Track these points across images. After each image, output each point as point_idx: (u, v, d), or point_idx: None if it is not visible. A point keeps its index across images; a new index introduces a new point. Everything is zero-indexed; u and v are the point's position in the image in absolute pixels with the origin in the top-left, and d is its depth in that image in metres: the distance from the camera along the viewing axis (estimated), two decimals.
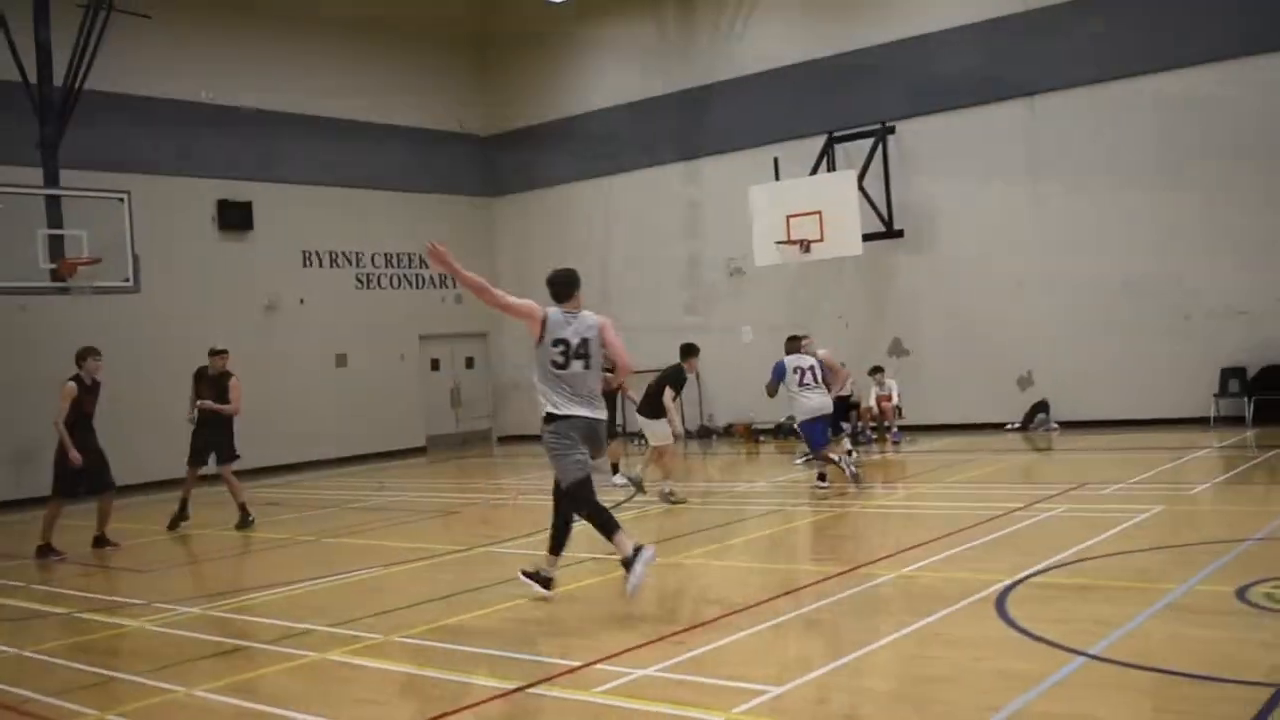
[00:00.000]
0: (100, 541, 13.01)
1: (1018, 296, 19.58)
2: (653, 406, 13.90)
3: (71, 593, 10.74)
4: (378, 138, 24.67)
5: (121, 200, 15.93)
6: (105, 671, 7.45)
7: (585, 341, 8.12)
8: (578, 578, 9.10)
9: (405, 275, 25.23)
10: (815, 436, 13.66)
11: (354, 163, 24.18)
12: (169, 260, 19.75)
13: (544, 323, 8.08)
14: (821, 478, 13.66)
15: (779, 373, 13.71)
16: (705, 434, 22.97)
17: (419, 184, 25.44)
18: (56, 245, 15.28)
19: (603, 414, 8.34)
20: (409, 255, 25.20)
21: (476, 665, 6.80)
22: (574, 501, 8.22)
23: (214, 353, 14.63)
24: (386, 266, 24.93)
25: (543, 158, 26.15)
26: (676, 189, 23.83)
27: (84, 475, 12.53)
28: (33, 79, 15.90)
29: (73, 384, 12.50)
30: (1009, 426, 19.56)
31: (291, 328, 22.68)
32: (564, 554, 8.58)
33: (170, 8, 20.37)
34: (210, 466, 14.28)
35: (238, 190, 22.32)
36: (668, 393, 13.81)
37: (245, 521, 14.11)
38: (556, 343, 8.05)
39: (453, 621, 8.02)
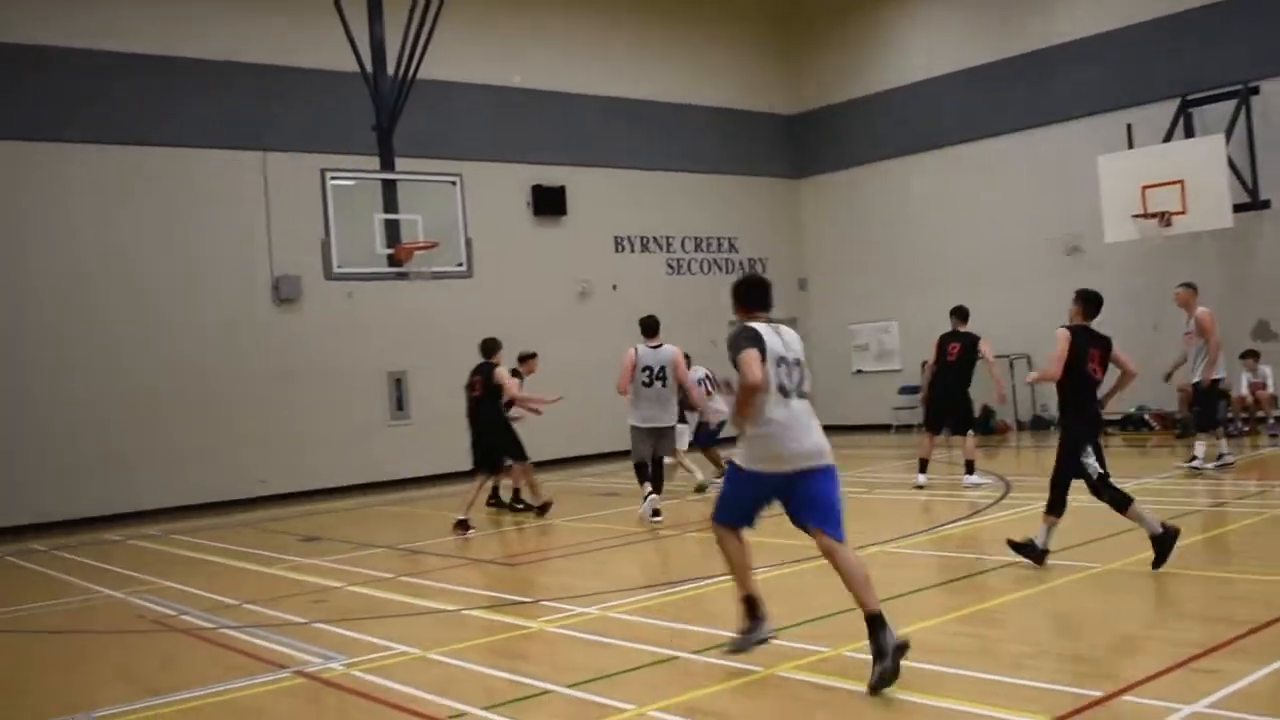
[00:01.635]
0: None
1: None
2: None
3: (456, 588, 10.31)
4: (684, 119, 24.12)
5: (454, 183, 15.82)
6: (529, 680, 6.80)
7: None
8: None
9: (715, 260, 24.59)
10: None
11: (661, 145, 23.72)
12: (488, 246, 19.71)
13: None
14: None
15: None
16: (1041, 424, 21.35)
17: (726, 166, 24.73)
18: (392, 231, 15.27)
19: None
20: (718, 239, 24.58)
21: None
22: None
23: (525, 357, 15.53)
24: (696, 251, 24.36)
25: (852, 135, 25.03)
26: (1002, 162, 22.24)
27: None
28: (369, 69, 15.98)
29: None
30: None
31: (604, 314, 22.36)
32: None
33: None
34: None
35: (551, 175, 22.18)
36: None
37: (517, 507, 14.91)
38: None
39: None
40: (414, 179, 15.69)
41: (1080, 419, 8.89)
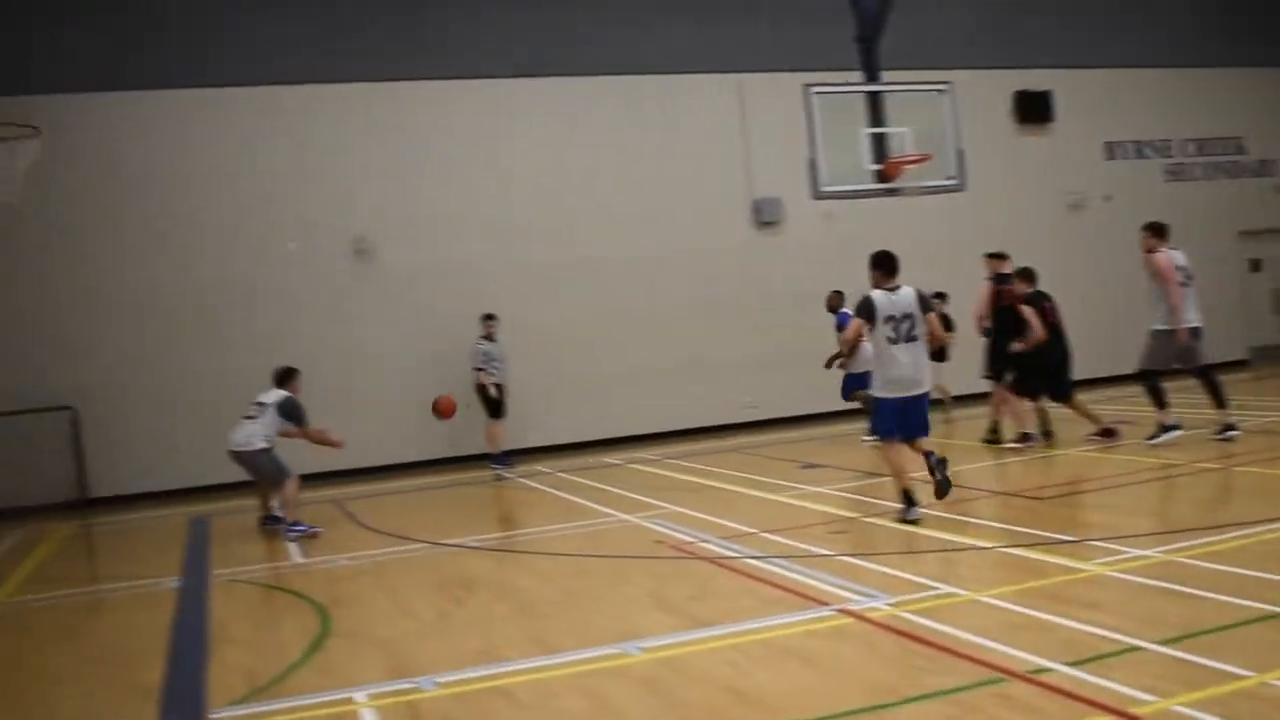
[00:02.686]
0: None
1: None
2: None
3: (984, 522, 9.69)
4: (1179, 6, 21.74)
5: (942, 92, 14.90)
6: (1109, 633, 6.01)
7: None
8: None
9: (1219, 164, 22.17)
10: None
11: (1155, 38, 21.49)
12: (972, 158, 18.63)
13: None
14: None
15: None
16: None
17: (1229, 57, 22.03)
18: (879, 146, 14.61)
19: None
20: (1222, 140, 22.13)
21: None
22: None
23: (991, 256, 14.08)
24: (1198, 155, 22.04)
25: None
26: None
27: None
28: None
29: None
30: None
31: (1098, 228, 20.67)
32: None
33: None
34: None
35: (1035, 79, 20.67)
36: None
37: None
38: None
39: None
40: (903, 89, 14.94)
41: None
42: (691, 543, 9.58)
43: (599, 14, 18.37)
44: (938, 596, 7.12)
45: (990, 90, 19.99)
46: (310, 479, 13.39)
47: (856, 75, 15.92)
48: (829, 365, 15.32)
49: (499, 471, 15.70)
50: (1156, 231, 12.62)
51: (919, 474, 9.82)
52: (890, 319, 9.58)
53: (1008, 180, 19.92)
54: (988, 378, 13.86)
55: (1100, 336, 17.41)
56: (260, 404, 12.27)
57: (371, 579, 9.42)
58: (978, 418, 15.22)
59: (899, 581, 7.56)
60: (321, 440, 12.37)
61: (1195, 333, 12.30)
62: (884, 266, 9.83)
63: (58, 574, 11.32)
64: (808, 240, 18.90)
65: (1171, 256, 12.38)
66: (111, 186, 16.43)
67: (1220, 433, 12.21)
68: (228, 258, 16.85)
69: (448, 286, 17.47)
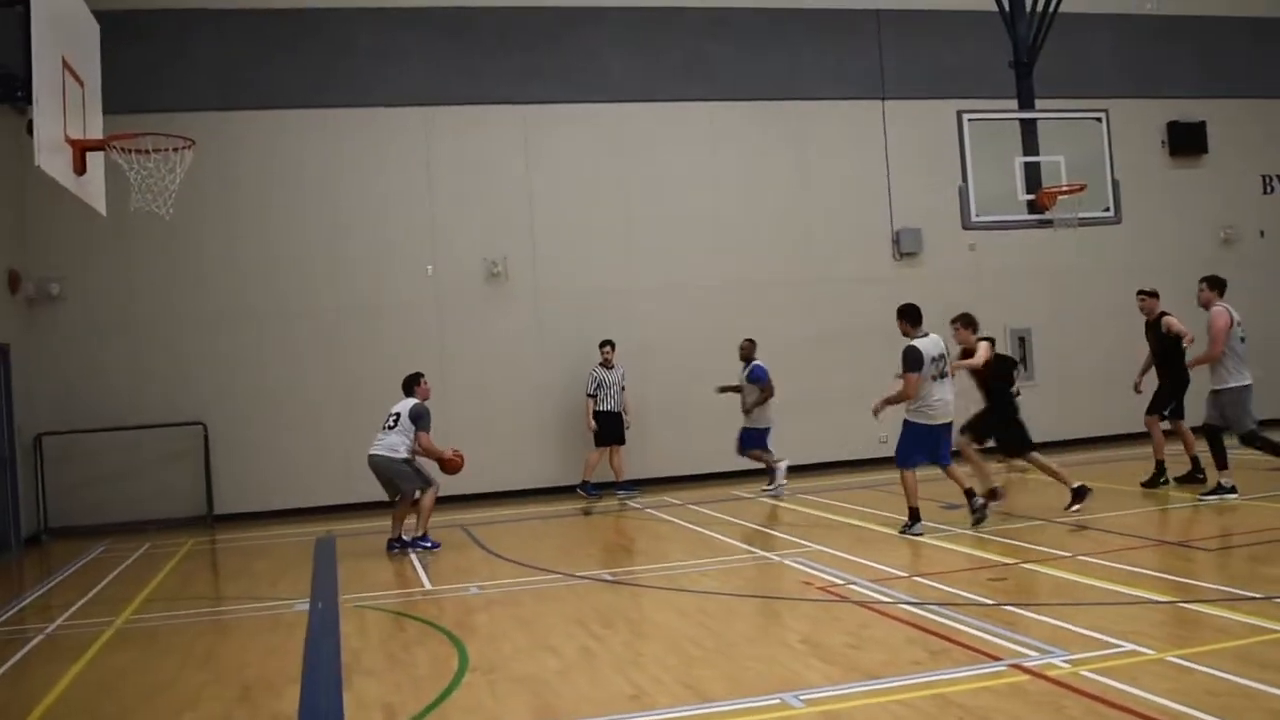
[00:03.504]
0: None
1: None
2: None
3: (1152, 573, 8.97)
4: None
5: (1099, 119, 14.29)
6: None
7: None
8: None
9: None
10: None
11: None
12: (1125, 189, 17.95)
13: None
14: None
15: None
16: None
17: None
18: (1032, 175, 14.01)
19: None
20: None
21: None
22: None
23: (1142, 294, 13.81)
24: None
25: None
26: None
27: None
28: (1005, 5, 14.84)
29: None
30: None
31: (1251, 263, 19.75)
32: None
33: None
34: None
35: (1189, 110, 19.86)
36: None
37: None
38: None
39: None
40: (1057, 117, 14.30)
41: None
42: (840, 584, 9.11)
43: (734, 40, 18.10)
44: (1121, 655, 6.57)
45: (1143, 120, 19.28)
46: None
47: (1005, 103, 15.34)
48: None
49: (588, 499, 15.78)
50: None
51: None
52: (933, 360, 11.26)
53: (1159, 213, 19.13)
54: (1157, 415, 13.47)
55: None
56: (395, 414, 12.25)
57: (505, 610, 9.11)
58: (1136, 459, 14.51)
59: (1073, 636, 7.02)
60: (434, 454, 12.26)
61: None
62: (911, 317, 11.50)
63: (186, 591, 11.23)
64: (950, 271, 18.29)
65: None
66: (233, 202, 16.54)
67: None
68: (353, 279, 16.83)
69: (576, 310, 17.26)
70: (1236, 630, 7.04)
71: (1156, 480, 13.48)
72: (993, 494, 12.14)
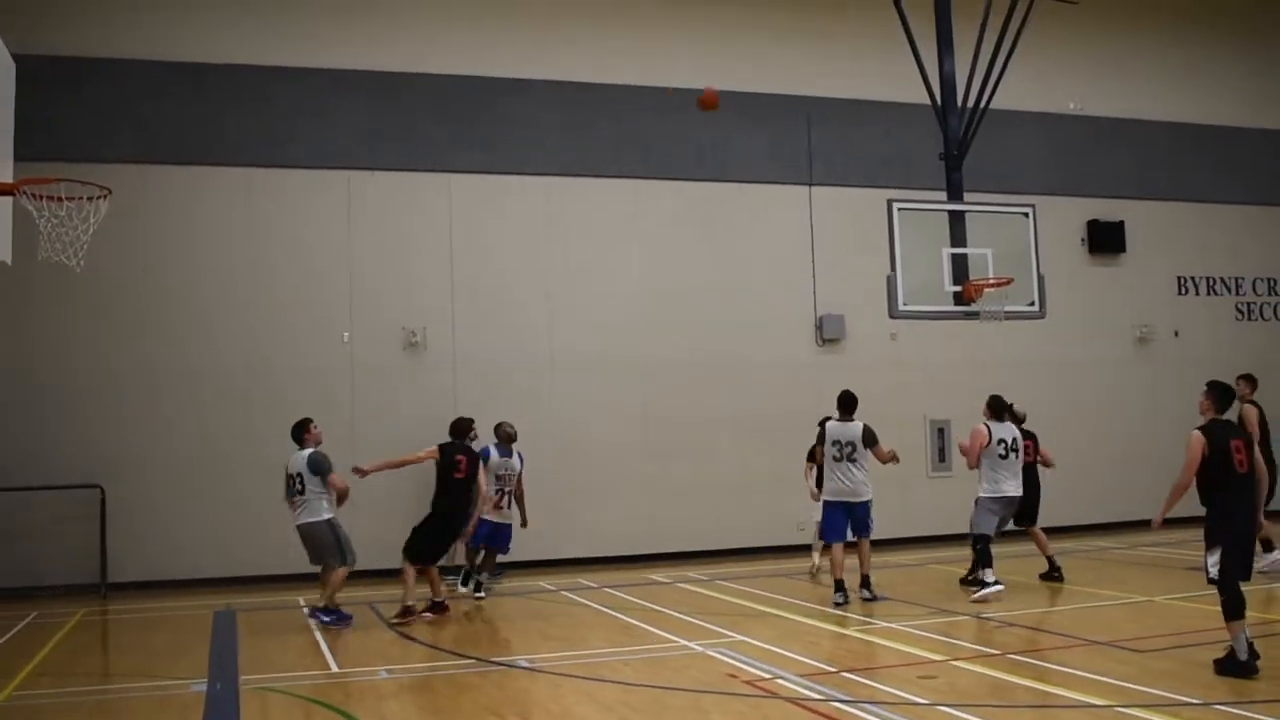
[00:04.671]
0: None
1: None
2: None
3: (1085, 674, 8.74)
4: (1255, 146, 21.37)
5: (1026, 215, 14.44)
6: None
7: None
8: None
9: None
10: None
11: (1229, 175, 21.13)
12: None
13: None
14: None
15: None
16: None
17: None
18: (959, 266, 14.07)
19: None
20: None
21: None
22: None
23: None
24: (1270, 294, 21.45)
25: None
26: None
27: None
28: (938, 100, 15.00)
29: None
30: None
31: (1165, 362, 20.07)
32: None
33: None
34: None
35: (1109, 209, 20.23)
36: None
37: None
38: None
39: None
40: (987, 210, 14.42)
41: None
42: (768, 679, 8.79)
43: (664, 118, 18.06)
44: None
45: (1064, 218, 19.55)
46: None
47: (933, 194, 15.43)
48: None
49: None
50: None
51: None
52: (835, 443, 12.67)
53: (1078, 309, 19.35)
54: None
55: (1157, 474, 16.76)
56: (296, 476, 11.84)
57: (418, 697, 8.67)
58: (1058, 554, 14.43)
59: None
60: (344, 490, 12.03)
61: None
62: (844, 405, 12.96)
63: (75, 666, 10.58)
64: (872, 359, 18.26)
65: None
66: (142, 258, 15.98)
67: None
68: (265, 341, 16.34)
69: (493, 383, 16.89)
70: None
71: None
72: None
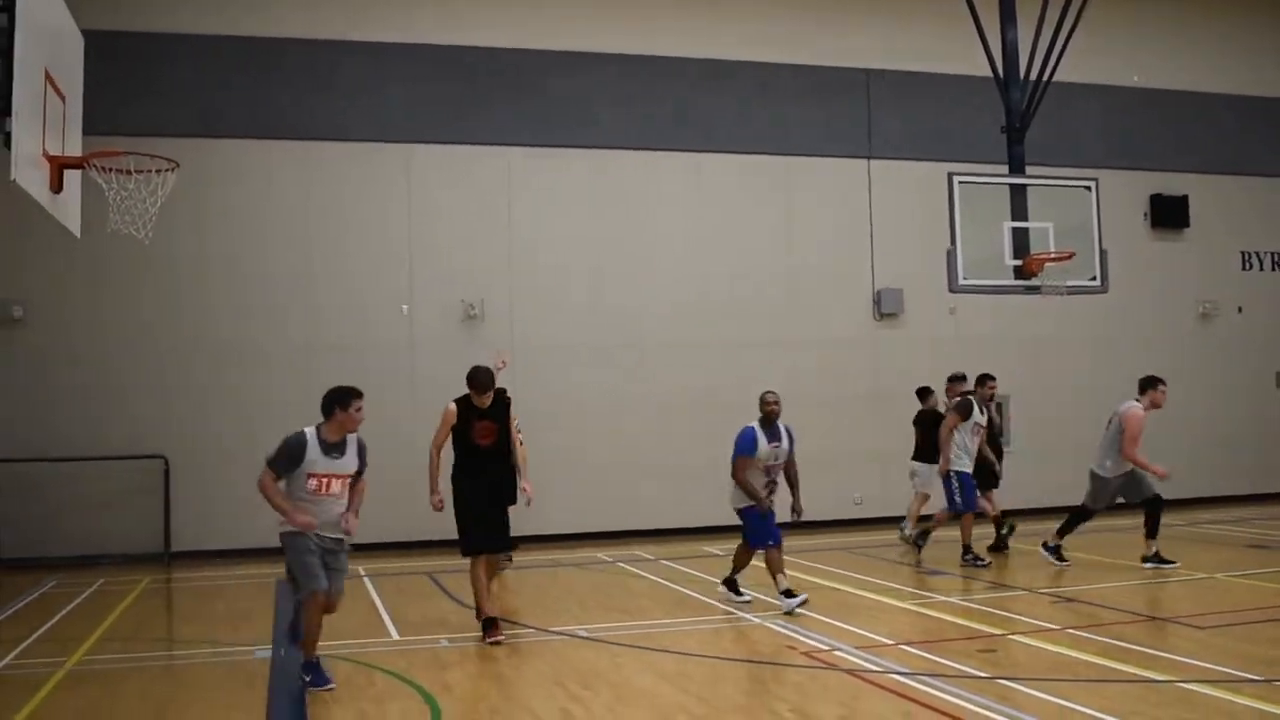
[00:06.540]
0: None
1: None
2: None
3: (1143, 649, 8.66)
4: None
5: (1089, 189, 14.26)
6: None
7: None
8: None
9: None
10: None
11: None
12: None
13: None
14: None
15: None
16: None
17: None
18: (1020, 240, 13.93)
19: None
20: None
21: None
22: None
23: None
24: None
25: None
26: None
27: None
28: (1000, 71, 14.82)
29: None
30: None
31: (1227, 338, 19.79)
32: None
33: None
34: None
35: (1172, 183, 19.93)
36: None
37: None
38: None
39: None
40: (1049, 184, 14.24)
41: None
42: (826, 650, 8.80)
43: (724, 92, 18.01)
44: None
45: (1127, 192, 19.26)
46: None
47: (994, 168, 15.28)
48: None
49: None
50: None
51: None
52: (976, 423, 13.31)
53: (1140, 285, 19.08)
54: None
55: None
56: None
57: (478, 666, 8.75)
58: (1114, 530, 14.31)
59: (1072, 715, 6.75)
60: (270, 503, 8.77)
61: None
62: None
63: (141, 633, 10.78)
64: (930, 334, 18.15)
65: None
66: (207, 231, 16.22)
67: None
68: (326, 315, 16.52)
69: (549, 358, 17.00)
70: (1242, 715, 6.81)
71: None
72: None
